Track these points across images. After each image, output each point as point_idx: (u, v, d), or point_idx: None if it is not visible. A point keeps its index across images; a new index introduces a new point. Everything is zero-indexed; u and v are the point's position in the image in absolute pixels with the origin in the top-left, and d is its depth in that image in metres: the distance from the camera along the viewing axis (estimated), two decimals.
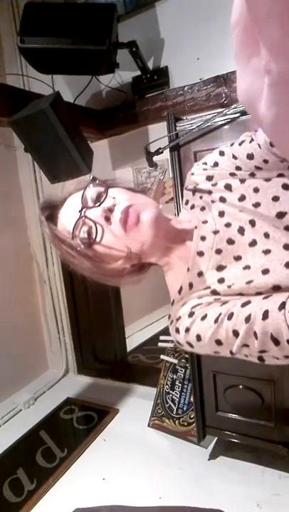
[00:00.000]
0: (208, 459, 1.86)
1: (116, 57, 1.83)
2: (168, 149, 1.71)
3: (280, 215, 0.62)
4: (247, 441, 1.73)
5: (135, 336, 3.36)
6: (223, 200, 0.69)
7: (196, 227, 0.69)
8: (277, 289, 0.56)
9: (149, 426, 2.13)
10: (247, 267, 0.61)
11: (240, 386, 1.67)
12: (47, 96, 1.70)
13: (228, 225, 0.66)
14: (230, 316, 0.55)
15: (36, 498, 1.75)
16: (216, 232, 0.66)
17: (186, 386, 2.06)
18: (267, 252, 0.61)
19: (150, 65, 2.05)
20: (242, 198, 0.67)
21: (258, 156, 0.67)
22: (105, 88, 2.21)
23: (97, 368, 2.87)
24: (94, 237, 0.63)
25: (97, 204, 0.63)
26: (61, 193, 0.71)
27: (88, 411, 2.42)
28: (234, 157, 0.70)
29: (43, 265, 2.79)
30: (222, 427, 1.77)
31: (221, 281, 0.62)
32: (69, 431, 2.36)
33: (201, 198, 0.73)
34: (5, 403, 2.57)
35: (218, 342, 0.56)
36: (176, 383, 2.09)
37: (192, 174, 0.77)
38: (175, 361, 2.12)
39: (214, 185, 0.71)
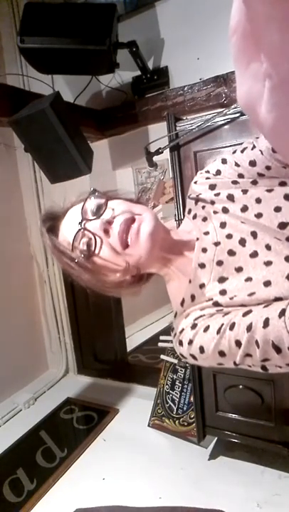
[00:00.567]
0: (208, 459, 1.86)
1: (116, 57, 1.83)
2: (168, 149, 1.71)
3: (282, 225, 0.62)
4: (247, 441, 1.73)
5: (135, 336, 3.36)
6: (225, 210, 0.69)
7: (197, 239, 0.69)
8: (279, 301, 0.56)
9: (149, 426, 2.13)
10: (249, 279, 0.61)
11: (240, 386, 1.67)
12: (47, 96, 1.70)
13: (229, 236, 0.66)
14: (232, 327, 0.55)
15: (36, 498, 1.75)
16: (217, 244, 0.66)
17: (186, 386, 2.06)
18: (268, 263, 0.61)
19: (150, 65, 2.05)
20: (244, 209, 0.67)
21: (261, 162, 0.67)
22: (105, 88, 2.21)
23: (97, 367, 2.87)
24: (93, 249, 0.63)
25: (97, 216, 0.64)
26: (63, 205, 0.72)
27: (88, 411, 2.42)
28: (236, 164, 0.70)
29: (43, 265, 2.79)
30: (222, 427, 1.77)
31: (223, 292, 0.62)
32: (69, 431, 2.36)
33: (203, 207, 0.72)
34: (5, 403, 2.57)
35: (222, 353, 0.56)
36: (176, 383, 2.09)
37: (195, 183, 0.76)
38: (175, 361, 2.12)
39: (217, 195, 0.71)
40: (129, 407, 2.41)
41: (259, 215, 0.65)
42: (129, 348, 3.06)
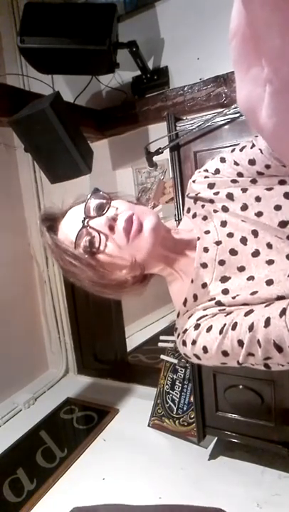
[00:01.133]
0: (208, 459, 1.86)
1: (116, 57, 1.83)
2: (168, 149, 1.71)
3: (283, 224, 0.62)
4: (247, 441, 1.73)
5: (135, 336, 3.36)
6: (225, 209, 0.69)
7: (198, 239, 0.69)
8: (281, 299, 0.56)
9: (149, 426, 2.13)
10: (251, 278, 0.61)
11: (240, 386, 1.67)
12: (47, 96, 1.70)
13: (230, 235, 0.66)
14: (234, 326, 0.55)
15: (36, 498, 1.75)
16: (218, 243, 0.66)
17: (186, 386, 2.06)
18: (270, 262, 0.61)
19: (150, 65, 2.05)
20: (244, 208, 0.67)
21: (260, 161, 0.67)
22: (105, 88, 2.21)
23: (97, 367, 2.87)
24: (97, 246, 0.63)
25: (100, 214, 0.64)
26: (62, 206, 0.72)
27: (88, 411, 2.42)
28: (236, 163, 0.70)
29: (43, 265, 2.79)
30: (222, 427, 1.77)
31: (226, 292, 0.62)
32: (69, 431, 2.36)
33: (203, 206, 0.72)
34: (5, 403, 2.57)
35: (225, 353, 0.56)
36: (176, 383, 2.09)
37: (193, 182, 0.76)
38: (175, 361, 2.12)
39: (216, 193, 0.71)
40: (129, 407, 2.41)
41: (259, 214, 0.65)
42: (129, 348, 3.06)
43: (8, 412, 2.47)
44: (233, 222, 0.67)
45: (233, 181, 0.70)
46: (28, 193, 2.72)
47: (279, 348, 0.50)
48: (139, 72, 2.04)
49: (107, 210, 0.64)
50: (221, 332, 0.56)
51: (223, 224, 0.68)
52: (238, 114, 1.51)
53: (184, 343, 0.61)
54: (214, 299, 0.62)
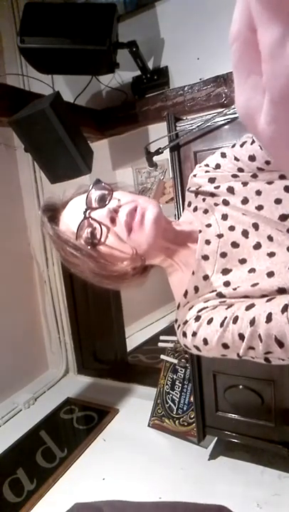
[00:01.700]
0: (208, 459, 1.86)
1: (116, 57, 1.82)
2: (168, 149, 1.71)
3: (283, 217, 0.63)
4: (247, 441, 1.73)
5: (135, 336, 3.36)
6: (226, 203, 0.69)
7: (200, 231, 0.69)
8: (282, 291, 0.57)
9: (149, 426, 2.13)
10: (252, 270, 0.61)
11: (240, 386, 1.67)
12: (47, 96, 1.70)
13: (231, 228, 0.67)
14: (235, 320, 0.55)
15: (36, 498, 1.75)
16: (220, 236, 0.67)
17: (186, 386, 2.06)
18: (271, 254, 0.61)
19: (150, 65, 2.05)
20: (245, 201, 0.67)
21: (260, 157, 0.67)
22: (105, 88, 2.21)
23: (97, 368, 2.87)
24: (98, 237, 0.63)
25: (101, 205, 0.64)
26: (62, 196, 0.71)
27: (88, 411, 2.42)
28: (236, 159, 0.70)
29: (43, 265, 2.79)
30: (222, 427, 1.77)
31: (227, 284, 0.63)
32: (69, 431, 2.36)
33: (204, 200, 0.73)
34: (5, 403, 2.57)
35: (225, 346, 0.57)
36: (176, 383, 2.09)
37: (194, 176, 0.77)
38: (175, 361, 2.12)
39: (217, 187, 0.71)
40: (129, 407, 2.41)
41: (260, 207, 0.65)
42: (129, 348, 3.06)
43: (8, 412, 2.47)
44: (234, 215, 0.67)
45: (234, 176, 0.71)
46: (28, 193, 2.72)
47: (280, 344, 0.51)
48: (139, 72, 2.04)
49: (109, 201, 0.64)
50: (221, 325, 0.57)
51: (224, 217, 0.68)
52: (237, 114, 1.51)
53: (185, 335, 0.62)
54: (215, 290, 0.63)
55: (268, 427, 1.64)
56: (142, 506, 1.35)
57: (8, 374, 2.59)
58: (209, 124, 1.57)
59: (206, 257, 0.66)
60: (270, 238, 0.63)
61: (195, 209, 0.74)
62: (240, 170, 0.70)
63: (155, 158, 1.92)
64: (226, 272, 0.64)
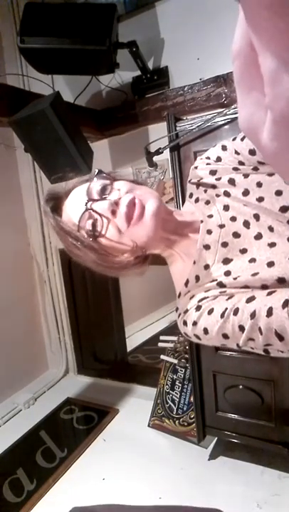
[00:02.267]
0: (208, 459, 1.86)
1: (116, 57, 1.83)
2: (168, 149, 1.71)
3: (284, 209, 0.63)
4: (247, 441, 1.73)
5: (135, 336, 3.36)
6: (227, 194, 0.70)
7: (202, 222, 0.70)
8: (282, 281, 0.57)
9: (149, 426, 2.13)
10: (252, 260, 0.62)
11: (240, 386, 1.67)
12: (47, 96, 1.70)
13: (233, 218, 0.68)
14: (236, 312, 0.56)
15: (36, 498, 1.75)
16: (221, 226, 0.68)
17: (186, 386, 2.06)
18: (272, 245, 0.62)
19: (150, 65, 2.05)
20: (246, 193, 0.68)
21: None
22: (105, 88, 2.21)
23: (97, 368, 2.87)
24: (99, 229, 0.63)
25: (103, 197, 0.64)
26: (65, 186, 0.72)
27: (88, 411, 2.42)
28: (236, 152, 0.71)
29: (43, 265, 2.79)
30: (222, 427, 1.77)
31: (227, 273, 0.63)
32: (69, 431, 2.36)
33: (205, 191, 0.74)
34: (5, 403, 2.57)
35: (225, 336, 0.58)
36: (176, 383, 2.09)
37: (195, 168, 0.77)
38: (175, 361, 2.12)
39: (218, 179, 0.72)
40: (129, 407, 2.41)
41: (260, 199, 0.66)
42: (129, 348, 3.06)
43: (8, 412, 2.47)
44: (236, 206, 0.68)
45: (235, 169, 0.71)
46: (28, 193, 2.72)
47: (280, 337, 0.51)
48: (139, 72, 2.04)
49: (110, 193, 0.64)
50: (222, 316, 0.57)
51: (226, 208, 0.69)
52: (237, 114, 1.51)
53: (185, 323, 0.63)
54: (216, 280, 0.64)
55: (267, 427, 1.64)
56: (141, 511, 1.35)
57: (8, 374, 2.59)
58: (209, 124, 1.57)
59: (207, 247, 0.67)
60: (270, 229, 0.64)
61: (196, 200, 0.74)
62: (241, 163, 0.71)
63: (155, 158, 1.92)
64: (226, 261, 0.65)
